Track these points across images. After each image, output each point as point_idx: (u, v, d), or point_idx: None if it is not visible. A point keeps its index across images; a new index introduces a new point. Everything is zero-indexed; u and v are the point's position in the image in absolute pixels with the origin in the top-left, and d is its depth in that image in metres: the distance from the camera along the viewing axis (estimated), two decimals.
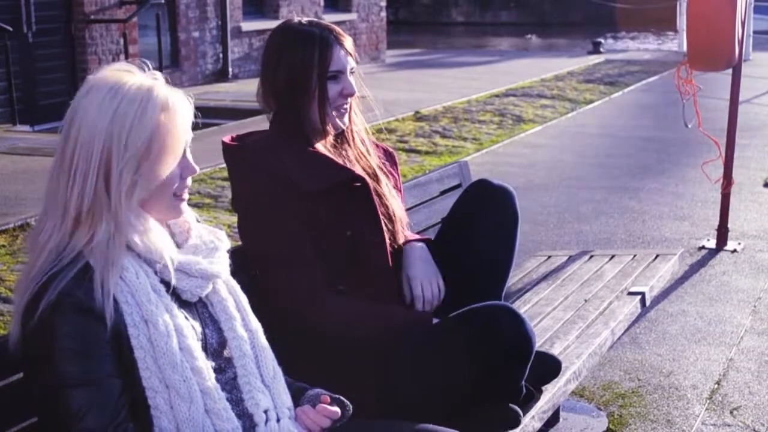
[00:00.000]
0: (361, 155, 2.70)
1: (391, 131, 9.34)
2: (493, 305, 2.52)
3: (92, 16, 11.39)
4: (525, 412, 2.49)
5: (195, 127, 2.02)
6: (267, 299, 2.45)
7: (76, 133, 1.85)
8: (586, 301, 3.38)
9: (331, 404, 2.02)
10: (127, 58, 11.51)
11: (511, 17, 34.03)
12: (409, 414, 2.23)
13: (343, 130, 2.66)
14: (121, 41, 11.61)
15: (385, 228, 2.67)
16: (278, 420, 1.97)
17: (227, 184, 7.20)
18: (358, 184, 2.60)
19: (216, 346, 1.97)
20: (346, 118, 2.64)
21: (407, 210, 2.97)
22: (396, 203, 2.76)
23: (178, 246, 1.99)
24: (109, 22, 11.56)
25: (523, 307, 3.38)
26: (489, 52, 21.82)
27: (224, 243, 2.07)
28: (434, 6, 34.70)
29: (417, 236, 2.83)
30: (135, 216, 1.88)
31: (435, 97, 12.09)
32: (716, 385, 3.93)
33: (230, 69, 13.95)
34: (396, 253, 2.70)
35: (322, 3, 16.00)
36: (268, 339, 2.07)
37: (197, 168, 1.99)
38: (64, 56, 11.21)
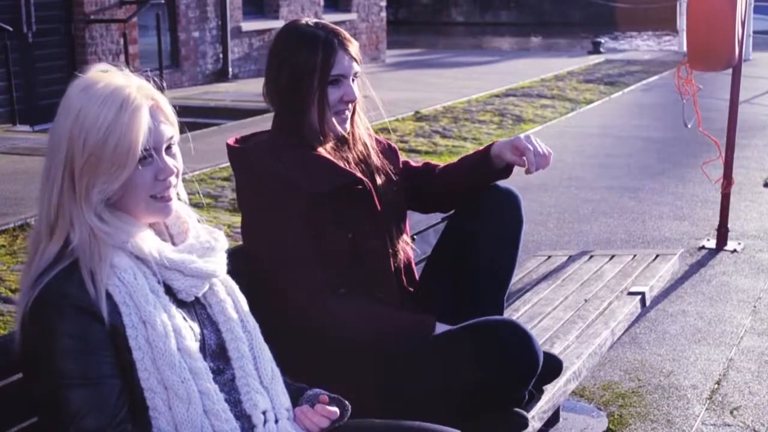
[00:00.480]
0: (363, 158, 2.69)
1: (391, 131, 9.34)
2: (502, 321, 2.51)
3: (92, 16, 11.39)
4: (526, 411, 2.49)
5: (181, 129, 2.00)
6: (268, 300, 2.45)
7: (50, 137, 1.88)
8: (586, 301, 3.38)
9: (329, 404, 2.02)
10: (127, 58, 11.52)
11: (511, 17, 34.02)
12: (411, 415, 2.23)
13: (347, 135, 2.66)
14: (121, 41, 11.61)
15: (386, 231, 2.67)
16: (276, 421, 1.97)
17: (227, 184, 7.22)
18: (360, 186, 2.60)
19: (214, 347, 1.97)
20: (347, 124, 2.62)
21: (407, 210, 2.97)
22: (397, 206, 2.76)
23: (175, 246, 1.99)
24: (109, 22, 11.56)
25: (523, 307, 3.38)
26: (489, 52, 21.82)
27: (221, 243, 2.06)
28: (434, 6, 34.70)
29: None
30: (111, 217, 1.87)
31: (435, 97, 12.09)
32: (716, 385, 3.93)
33: (230, 69, 13.96)
34: (396, 255, 2.70)
35: (322, 3, 16.00)
36: (269, 339, 2.07)
37: (175, 168, 1.94)
38: (64, 56, 11.21)
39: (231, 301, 2.04)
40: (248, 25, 14.38)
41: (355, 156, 2.67)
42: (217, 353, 1.97)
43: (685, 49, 6.72)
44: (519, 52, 21.84)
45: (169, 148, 1.94)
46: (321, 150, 2.61)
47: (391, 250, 2.67)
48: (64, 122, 1.86)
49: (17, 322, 1.85)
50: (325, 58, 2.54)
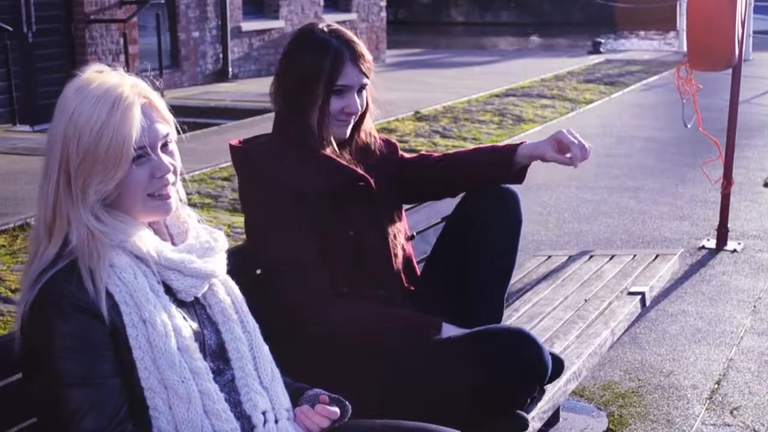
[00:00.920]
0: (364, 156, 2.69)
1: (391, 131, 9.34)
2: (512, 330, 2.50)
3: (92, 16, 11.39)
4: (526, 413, 2.49)
5: (182, 129, 2.00)
6: (269, 300, 2.45)
7: (47, 138, 1.89)
8: (586, 301, 3.38)
9: (330, 404, 2.01)
10: (127, 58, 11.52)
11: (511, 17, 34.02)
12: (412, 416, 2.23)
13: (349, 137, 2.66)
14: (121, 41, 11.61)
15: (387, 229, 2.67)
16: (276, 421, 1.97)
17: (227, 184, 7.22)
18: (361, 184, 2.60)
19: (214, 347, 1.97)
20: (346, 130, 2.62)
21: (407, 210, 2.97)
22: (397, 203, 2.76)
23: (175, 246, 1.99)
24: (109, 22, 11.56)
25: (523, 307, 3.38)
26: (489, 52, 21.82)
27: (221, 243, 2.06)
28: (434, 6, 34.69)
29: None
30: (108, 217, 1.87)
31: (435, 97, 12.09)
32: (716, 385, 3.93)
33: (230, 69, 13.96)
34: (397, 253, 2.70)
35: (321, 3, 16.00)
36: (269, 340, 2.07)
37: (172, 166, 1.94)
38: (64, 56, 11.21)
39: (230, 301, 2.04)
40: (248, 25, 14.38)
41: (356, 155, 2.68)
42: (217, 353, 1.97)
43: (685, 49, 6.72)
44: (519, 52, 21.84)
45: (165, 146, 1.94)
46: (321, 150, 2.61)
47: (392, 248, 2.68)
48: (59, 123, 1.86)
49: (17, 323, 1.85)
50: (332, 67, 2.54)
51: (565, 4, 33.14)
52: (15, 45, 10.34)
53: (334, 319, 2.48)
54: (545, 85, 13.60)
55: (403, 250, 2.75)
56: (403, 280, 2.74)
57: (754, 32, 16.07)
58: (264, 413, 1.96)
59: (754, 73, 13.45)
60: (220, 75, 13.87)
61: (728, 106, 5.81)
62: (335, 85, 2.55)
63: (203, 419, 1.86)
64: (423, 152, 2.96)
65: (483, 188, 2.80)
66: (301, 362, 2.27)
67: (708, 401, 3.79)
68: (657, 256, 3.91)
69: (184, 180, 2.04)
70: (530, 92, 12.82)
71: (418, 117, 10.62)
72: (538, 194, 7.10)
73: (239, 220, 5.95)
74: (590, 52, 18.96)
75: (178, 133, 2.00)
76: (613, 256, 3.99)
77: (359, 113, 2.63)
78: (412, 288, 2.77)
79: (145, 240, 1.91)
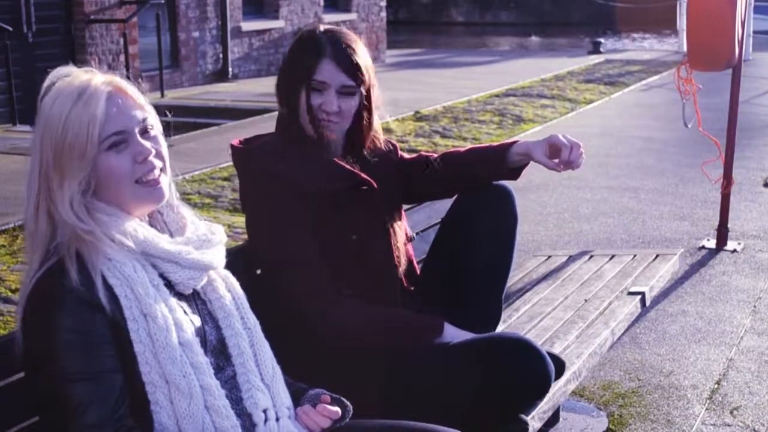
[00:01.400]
0: (366, 159, 2.68)
1: (391, 131, 9.34)
2: (516, 339, 2.48)
3: (92, 16, 11.39)
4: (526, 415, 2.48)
5: (182, 129, 2.01)
6: (270, 299, 2.45)
7: (30, 148, 1.91)
8: (586, 301, 3.38)
9: (331, 404, 2.01)
10: (127, 58, 11.52)
11: (511, 17, 34.03)
12: (413, 417, 2.22)
13: (352, 138, 2.64)
14: (121, 41, 11.62)
15: (389, 231, 2.67)
16: (277, 419, 1.97)
17: (227, 184, 7.22)
18: (365, 187, 2.60)
19: (215, 343, 1.97)
20: (330, 132, 2.58)
21: (406, 210, 2.97)
22: (397, 205, 2.76)
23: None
24: (109, 22, 11.56)
25: (523, 307, 3.38)
26: (489, 52, 21.82)
27: (218, 236, 2.06)
28: (434, 6, 34.70)
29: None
30: (90, 213, 1.88)
31: (435, 97, 12.10)
32: (716, 385, 3.93)
33: (230, 69, 13.96)
34: (399, 255, 2.70)
35: (321, 3, 16.00)
36: (270, 338, 2.07)
37: (153, 149, 1.93)
38: (64, 56, 11.20)
39: (231, 297, 2.04)
40: (248, 25, 14.38)
41: (359, 157, 2.66)
42: (218, 349, 1.97)
43: (685, 49, 6.72)
44: (519, 52, 21.84)
45: (146, 132, 1.94)
46: (322, 151, 2.60)
47: (394, 251, 2.67)
48: (36, 129, 1.89)
49: (18, 320, 1.85)
50: (310, 62, 2.54)
51: (565, 4, 33.14)
52: (15, 45, 10.35)
53: (335, 319, 2.48)
54: (545, 85, 13.60)
55: (404, 251, 2.75)
56: (404, 280, 2.74)
57: (754, 32, 16.07)
58: (265, 411, 1.96)
59: (754, 73, 13.45)
60: (220, 75, 13.87)
61: (728, 106, 5.81)
62: (312, 80, 2.54)
63: (204, 414, 1.86)
64: (422, 152, 2.95)
65: (478, 187, 2.80)
66: (301, 362, 2.27)
67: (708, 401, 3.79)
68: (657, 256, 3.91)
69: (184, 180, 2.04)
70: (530, 92, 12.82)
71: (418, 117, 10.62)
72: (538, 194, 7.10)
73: (239, 220, 5.95)
74: (590, 52, 18.96)
75: (167, 131, 2.01)
76: (613, 256, 4.00)
77: (347, 116, 2.57)
78: (412, 288, 2.77)
79: (139, 232, 1.90)
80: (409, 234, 2.85)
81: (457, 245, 2.78)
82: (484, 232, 2.74)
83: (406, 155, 2.89)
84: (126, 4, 11.84)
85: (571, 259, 4.04)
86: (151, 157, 1.92)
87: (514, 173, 2.78)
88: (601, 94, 12.91)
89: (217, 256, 2.03)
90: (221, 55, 13.88)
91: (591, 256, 4.05)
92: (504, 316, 2.92)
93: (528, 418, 2.45)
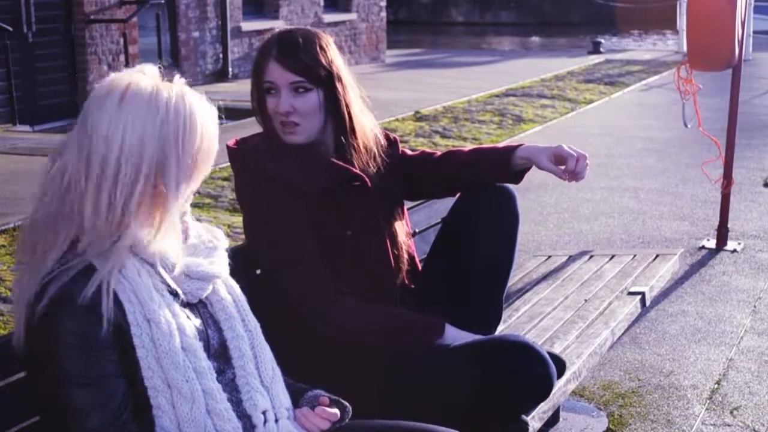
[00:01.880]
0: (360, 154, 2.66)
1: (391, 131, 9.32)
2: (518, 342, 2.46)
3: (92, 16, 11.39)
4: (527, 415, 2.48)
5: None
6: (269, 300, 2.45)
7: (119, 142, 1.83)
8: (586, 301, 3.38)
9: (330, 406, 2.01)
10: (127, 58, 11.51)
11: (511, 17, 34.02)
12: (413, 418, 2.22)
13: (346, 138, 2.62)
14: (121, 41, 11.61)
15: (386, 227, 2.66)
16: (276, 420, 1.97)
17: (227, 184, 7.21)
18: (357, 183, 2.60)
19: (217, 347, 1.97)
20: (294, 136, 2.54)
21: (408, 210, 2.97)
22: (397, 201, 2.76)
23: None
24: (109, 22, 11.56)
25: (523, 307, 3.38)
26: (489, 52, 21.82)
27: (222, 242, 2.06)
28: (434, 6, 34.69)
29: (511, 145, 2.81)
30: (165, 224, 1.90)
31: (435, 97, 12.09)
32: (716, 385, 3.93)
33: (230, 69, 13.95)
34: (398, 252, 2.70)
35: (322, 3, 15.99)
36: (269, 340, 2.07)
37: None
38: (64, 56, 11.20)
39: (232, 299, 2.04)
40: (248, 25, 14.37)
41: (352, 153, 2.64)
42: (219, 353, 1.97)
43: (685, 49, 6.72)
44: (519, 52, 21.84)
45: None
46: (315, 149, 2.60)
47: (391, 247, 2.67)
48: (144, 131, 1.85)
49: (20, 319, 1.84)
50: (260, 65, 2.54)
51: (565, 4, 33.13)
52: (15, 45, 10.34)
53: (335, 319, 2.48)
54: (545, 85, 13.60)
55: (405, 248, 2.74)
56: (405, 278, 2.73)
57: (754, 32, 16.08)
58: (264, 412, 1.96)
59: (754, 73, 13.45)
60: (220, 75, 13.86)
61: (728, 106, 5.81)
62: (263, 83, 2.54)
63: (206, 418, 1.86)
64: (425, 150, 2.95)
65: (479, 187, 2.80)
66: (301, 362, 2.27)
67: (708, 401, 3.79)
68: (657, 256, 3.91)
69: None
70: (530, 92, 12.82)
71: (418, 117, 10.62)
72: (538, 194, 7.10)
73: (239, 220, 5.94)
74: (590, 52, 18.95)
75: None
76: (613, 256, 4.00)
77: (308, 115, 2.53)
78: (413, 286, 2.77)
79: (175, 246, 1.92)
80: (411, 231, 2.84)
81: (458, 245, 2.78)
82: (486, 232, 2.74)
83: (409, 151, 2.88)
84: (126, 4, 11.84)
85: (571, 259, 4.04)
86: None
87: (517, 176, 2.78)
88: (601, 94, 12.91)
89: (224, 264, 2.04)
90: (221, 55, 13.88)
91: (591, 256, 4.05)
92: (504, 316, 2.92)
93: (528, 418, 2.45)
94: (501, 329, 2.94)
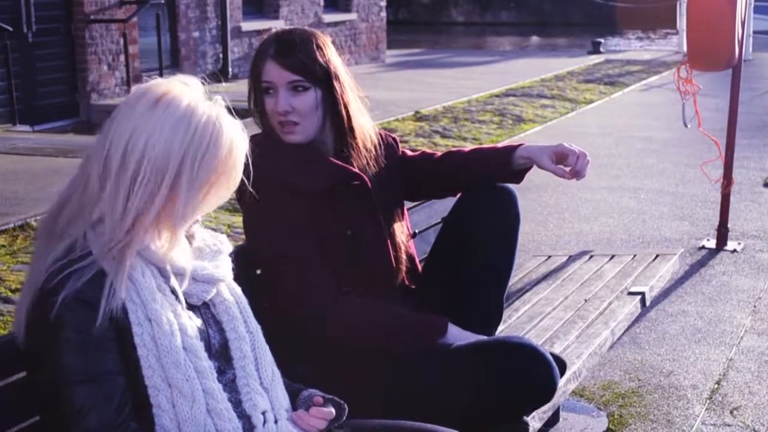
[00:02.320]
0: (359, 153, 2.66)
1: (391, 131, 9.33)
2: (525, 347, 2.45)
3: (92, 16, 11.39)
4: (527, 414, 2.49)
5: None
6: (269, 300, 2.45)
7: (143, 146, 1.82)
8: (586, 301, 3.38)
9: (324, 405, 2.02)
10: (127, 58, 11.51)
11: (511, 17, 34.02)
12: (413, 417, 2.22)
13: (345, 138, 2.62)
14: (121, 41, 11.61)
15: (385, 227, 2.66)
16: (276, 421, 1.97)
17: None
18: (357, 182, 2.60)
19: (218, 347, 1.97)
20: (294, 136, 2.54)
21: (407, 210, 2.97)
22: (397, 201, 2.75)
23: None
24: (109, 22, 11.56)
25: (523, 307, 3.38)
26: (489, 52, 21.82)
27: (226, 245, 2.07)
28: (434, 6, 34.68)
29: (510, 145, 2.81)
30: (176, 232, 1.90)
31: (435, 97, 12.09)
32: (716, 385, 3.93)
33: (230, 69, 13.95)
34: (398, 252, 2.70)
35: (322, 3, 15.99)
36: (270, 339, 2.07)
37: None
38: (64, 56, 11.20)
39: (234, 301, 2.04)
40: (248, 25, 14.37)
41: (351, 152, 2.64)
42: (220, 353, 1.97)
43: (685, 49, 6.72)
44: (519, 52, 21.84)
45: None
46: (314, 149, 2.59)
47: (391, 247, 2.67)
48: (172, 140, 1.83)
49: (22, 313, 1.83)
50: (257, 65, 2.54)
51: (565, 4, 33.13)
52: (15, 45, 10.34)
53: (336, 319, 2.47)
54: (545, 85, 13.60)
55: (405, 247, 2.74)
56: (405, 278, 2.73)
57: (754, 32, 16.07)
58: (264, 413, 1.96)
59: (754, 73, 13.45)
60: (220, 75, 13.85)
61: (728, 106, 5.81)
62: (261, 83, 2.53)
63: (206, 418, 1.86)
64: (425, 150, 2.95)
65: (480, 187, 2.80)
66: (301, 362, 2.27)
67: (708, 401, 3.79)
68: (657, 256, 3.91)
69: None
70: (530, 92, 12.82)
71: (418, 117, 10.62)
72: (538, 194, 7.10)
73: (239, 220, 5.94)
74: (590, 52, 18.96)
75: None
76: (613, 256, 4.00)
77: (306, 114, 2.52)
78: (413, 286, 2.77)
79: (184, 255, 1.92)
80: (411, 231, 2.84)
81: (458, 245, 2.77)
82: (487, 232, 2.74)
83: (409, 152, 2.88)
84: (126, 4, 11.84)
85: (571, 259, 4.04)
86: None
87: (518, 176, 2.78)
88: (601, 94, 12.92)
89: (227, 268, 2.04)
90: (221, 55, 13.88)
91: (591, 256, 4.05)
92: (504, 316, 2.92)
93: (528, 419, 2.45)
94: (501, 329, 2.94)
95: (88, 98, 11.29)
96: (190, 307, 1.95)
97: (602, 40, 20.02)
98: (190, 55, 13.32)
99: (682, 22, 16.82)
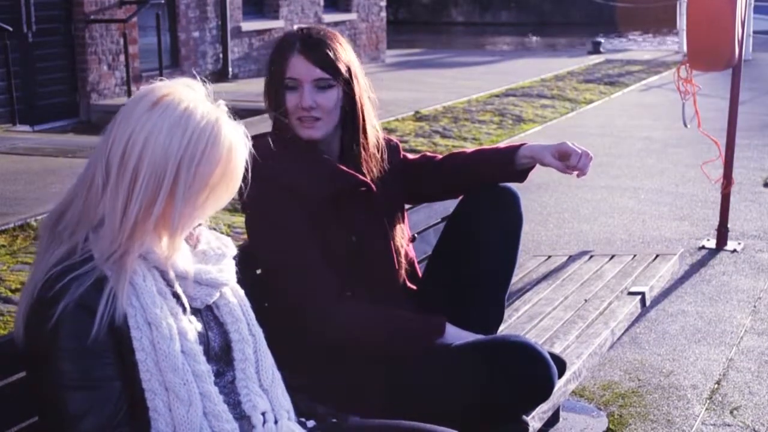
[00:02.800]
0: (365, 159, 2.66)
1: (391, 131, 9.34)
2: (521, 343, 2.45)
3: (92, 16, 11.39)
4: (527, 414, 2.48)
5: None
6: (271, 302, 2.45)
7: (141, 147, 1.81)
8: (586, 301, 3.38)
9: (309, 417, 2.04)
10: (127, 58, 11.51)
11: (511, 17, 34.02)
12: (413, 417, 2.22)
13: (347, 137, 2.62)
14: (121, 41, 11.61)
15: (389, 232, 2.66)
16: (276, 422, 1.97)
17: None
18: (363, 189, 2.59)
19: (217, 350, 1.97)
20: (312, 131, 2.54)
21: (407, 211, 2.97)
22: (398, 205, 2.75)
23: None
24: (109, 22, 11.56)
25: (523, 307, 3.38)
26: (489, 52, 21.83)
27: (230, 249, 2.06)
28: (434, 6, 34.69)
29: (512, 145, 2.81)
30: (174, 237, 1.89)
31: (435, 97, 12.09)
32: (716, 385, 3.93)
33: (230, 69, 13.96)
34: (399, 255, 2.69)
35: (322, 3, 15.99)
36: (271, 341, 2.07)
37: None
38: (64, 56, 11.21)
39: (238, 303, 2.04)
40: (248, 25, 14.38)
41: (357, 157, 2.64)
42: (219, 355, 1.97)
43: (685, 49, 6.72)
44: (519, 52, 21.84)
45: None
46: (320, 152, 2.59)
47: (395, 252, 2.67)
48: (170, 143, 1.82)
49: (22, 314, 1.83)
50: (281, 60, 2.52)
51: (565, 4, 33.14)
52: (15, 45, 10.34)
53: (336, 322, 2.46)
54: (545, 85, 13.60)
55: (406, 251, 2.74)
56: (406, 281, 2.73)
57: (754, 32, 16.07)
58: (263, 414, 1.96)
59: (754, 73, 13.45)
60: (220, 75, 13.86)
61: (728, 106, 5.81)
62: (286, 79, 2.52)
63: (202, 421, 1.85)
64: (426, 153, 2.95)
65: (483, 187, 2.79)
66: (302, 363, 2.27)
67: (708, 401, 3.79)
68: (657, 256, 3.91)
69: None
70: (530, 92, 12.82)
71: (418, 117, 10.62)
72: (538, 194, 7.10)
73: (239, 220, 5.94)
74: (590, 52, 18.96)
75: None
76: (613, 256, 4.00)
77: (328, 111, 2.52)
78: (414, 288, 2.76)
79: (186, 258, 1.92)
80: (410, 234, 2.84)
81: (460, 246, 2.77)
82: (489, 233, 2.74)
83: (410, 155, 2.88)
84: (126, 4, 11.84)
85: (571, 259, 4.04)
86: None
87: (521, 175, 2.79)
88: (601, 94, 12.92)
89: (231, 272, 2.03)
90: (221, 55, 13.88)
91: (591, 256, 4.05)
92: (504, 316, 2.92)
93: (528, 418, 2.45)
94: (501, 329, 2.93)
95: (88, 98, 11.29)
96: (192, 310, 1.94)
97: (602, 40, 20.02)
98: (190, 55, 13.33)
99: (682, 22, 16.82)
